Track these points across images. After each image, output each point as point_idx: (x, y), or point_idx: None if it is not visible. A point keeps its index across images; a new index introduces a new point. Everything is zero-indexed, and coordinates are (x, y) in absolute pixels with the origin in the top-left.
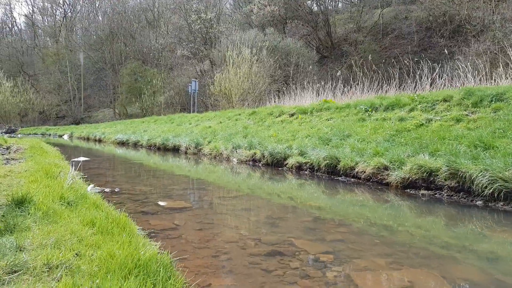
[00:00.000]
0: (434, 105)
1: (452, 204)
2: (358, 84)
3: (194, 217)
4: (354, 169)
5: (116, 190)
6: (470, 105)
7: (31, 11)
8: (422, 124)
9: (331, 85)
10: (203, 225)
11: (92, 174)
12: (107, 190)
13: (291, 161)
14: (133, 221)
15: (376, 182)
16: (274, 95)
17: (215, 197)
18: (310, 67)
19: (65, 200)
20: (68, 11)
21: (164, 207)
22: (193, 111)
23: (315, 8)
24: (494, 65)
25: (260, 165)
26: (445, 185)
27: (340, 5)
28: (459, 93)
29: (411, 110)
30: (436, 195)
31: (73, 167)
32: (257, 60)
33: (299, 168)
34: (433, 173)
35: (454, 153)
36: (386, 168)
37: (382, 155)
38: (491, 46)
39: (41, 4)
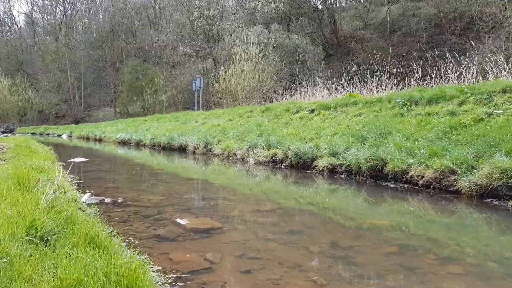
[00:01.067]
0: (490, 97)
1: None
2: (374, 79)
3: (232, 247)
4: (407, 172)
5: (119, 201)
6: None
7: (30, 9)
8: (482, 119)
9: (344, 81)
10: (250, 263)
11: (90, 178)
12: (107, 200)
13: (321, 163)
14: (147, 255)
15: (439, 189)
16: (281, 93)
17: (246, 211)
18: (323, 61)
19: (37, 232)
20: (68, 9)
21: (185, 227)
22: (198, 109)
23: (320, 6)
24: (508, 61)
25: (282, 166)
26: None
27: (344, 3)
28: None
29: (461, 103)
30: None
31: (64, 171)
32: (263, 57)
33: (331, 170)
34: None
35: None
36: (452, 172)
37: (441, 155)
38: (506, 42)
39: (41, 2)
